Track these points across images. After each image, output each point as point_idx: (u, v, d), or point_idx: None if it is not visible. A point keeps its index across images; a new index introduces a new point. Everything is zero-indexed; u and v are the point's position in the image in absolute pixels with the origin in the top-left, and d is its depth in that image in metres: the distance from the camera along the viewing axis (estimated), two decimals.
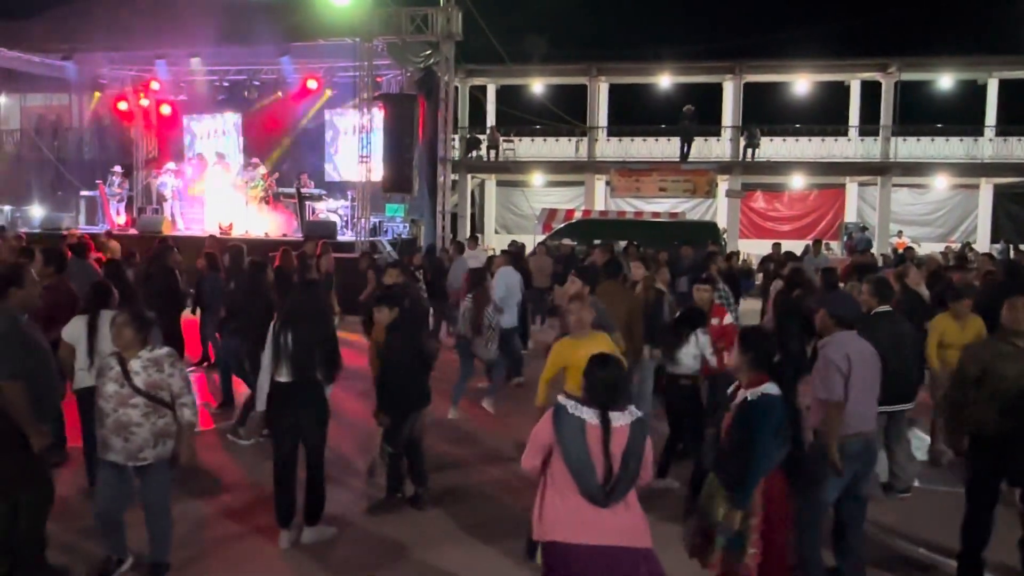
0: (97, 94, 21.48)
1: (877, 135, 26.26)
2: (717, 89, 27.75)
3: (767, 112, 27.33)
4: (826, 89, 27.97)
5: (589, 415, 3.51)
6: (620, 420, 3.51)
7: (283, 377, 5.30)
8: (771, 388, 3.90)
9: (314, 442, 5.41)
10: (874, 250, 21.24)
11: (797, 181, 28.05)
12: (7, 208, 23.70)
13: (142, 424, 4.53)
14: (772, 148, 26.45)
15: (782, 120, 27.36)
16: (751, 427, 3.87)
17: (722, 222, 24.98)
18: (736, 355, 4.12)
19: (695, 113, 24.72)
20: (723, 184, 26.29)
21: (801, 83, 27.32)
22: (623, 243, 15.43)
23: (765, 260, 13.80)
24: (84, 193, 21.36)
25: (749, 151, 25.39)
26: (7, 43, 20.12)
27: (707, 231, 20.34)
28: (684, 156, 25.14)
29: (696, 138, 25.45)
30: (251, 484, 6.45)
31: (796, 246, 18.86)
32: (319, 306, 5.71)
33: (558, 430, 3.52)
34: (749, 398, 3.94)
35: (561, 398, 3.65)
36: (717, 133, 27.32)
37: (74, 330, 5.88)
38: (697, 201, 28.08)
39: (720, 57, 26.60)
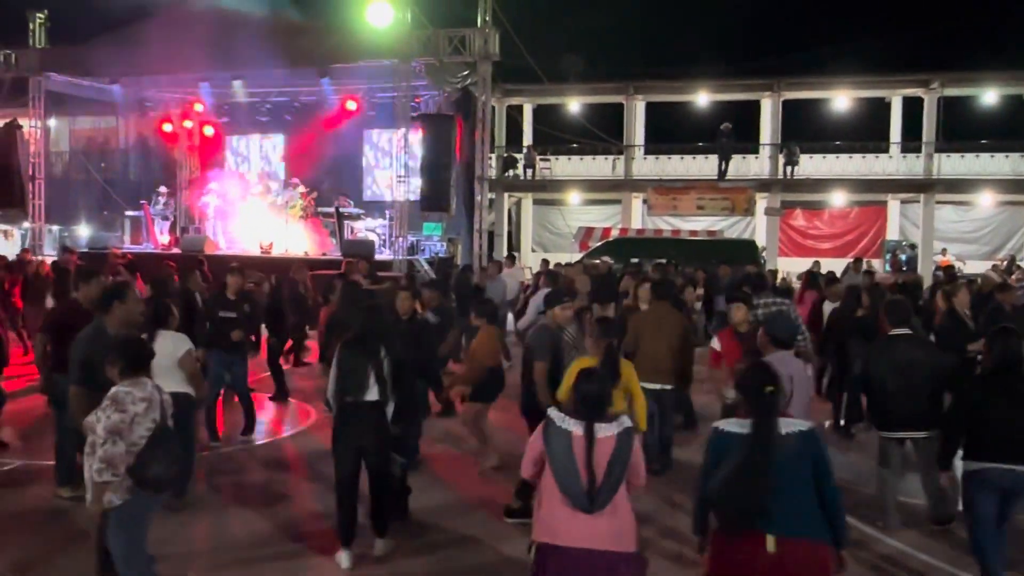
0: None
1: (919, 152, 25.84)
2: (755, 106, 27.57)
3: (806, 129, 27.08)
4: (867, 105, 27.64)
5: (575, 426, 3.72)
6: (606, 431, 3.71)
7: (346, 399, 5.39)
8: (728, 423, 3.79)
9: (377, 462, 5.46)
10: (918, 268, 20.87)
11: (838, 198, 27.68)
12: (55, 228, 24.31)
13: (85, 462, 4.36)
14: (812, 165, 26.18)
15: (822, 137, 27.08)
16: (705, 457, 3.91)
17: (761, 240, 24.73)
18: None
19: (733, 131, 24.58)
20: (762, 202, 26.05)
21: (841, 99, 27.02)
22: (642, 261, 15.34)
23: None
24: (129, 213, 21.83)
25: (788, 168, 25.16)
26: (58, 68, 20.74)
27: (746, 249, 20.16)
28: (722, 174, 24.98)
29: (734, 156, 25.28)
30: (306, 501, 6.56)
31: (837, 264, 18.61)
32: (379, 328, 5.72)
33: (546, 441, 3.76)
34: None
35: (551, 411, 3.88)
36: (755, 151, 27.11)
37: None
38: (735, 219, 27.83)
39: (758, 74, 26.45)
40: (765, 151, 26.66)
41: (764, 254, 22.12)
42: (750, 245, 21.47)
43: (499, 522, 6.11)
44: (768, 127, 26.74)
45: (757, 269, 14.22)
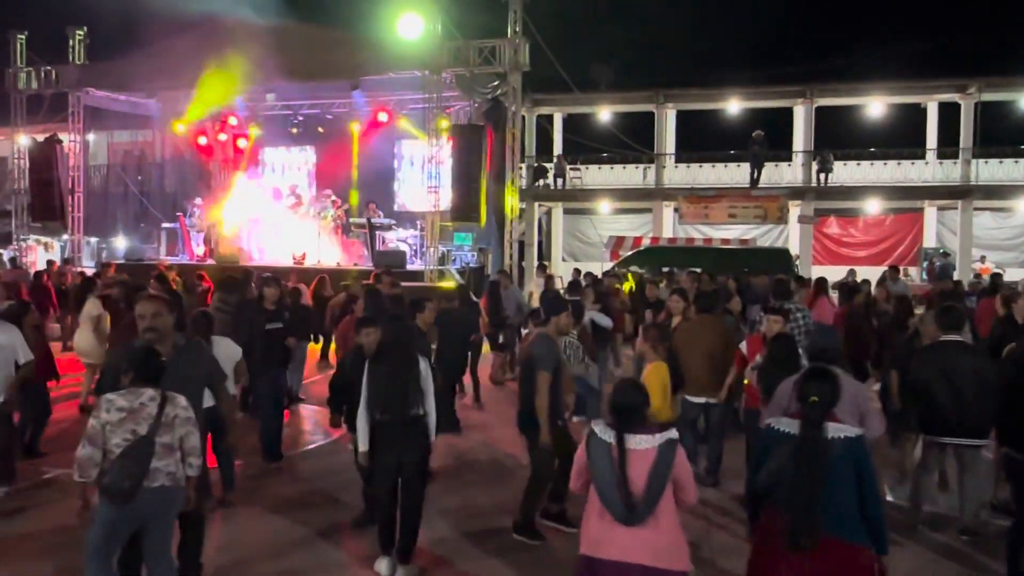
0: (176, 124, 22.05)
1: (956, 158, 25.44)
2: (787, 113, 27.34)
3: (840, 136, 26.77)
4: (902, 111, 27.27)
5: (612, 437, 3.75)
6: (645, 443, 3.70)
7: (381, 415, 5.39)
8: (779, 421, 3.90)
9: (413, 480, 5.41)
10: (956, 276, 20.50)
11: (872, 206, 27.33)
12: (93, 240, 24.75)
13: None
14: (846, 172, 25.88)
15: (856, 144, 26.76)
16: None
17: (794, 248, 24.49)
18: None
19: (765, 138, 24.39)
20: (795, 210, 25.80)
21: (876, 106, 26.69)
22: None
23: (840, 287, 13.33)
24: (165, 225, 22.16)
25: (822, 176, 24.90)
26: (97, 84, 21.15)
27: (778, 258, 19.95)
28: (754, 182, 24.79)
29: (766, 163, 25.08)
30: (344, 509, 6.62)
31: (872, 272, 18.35)
32: (408, 340, 5.67)
33: (588, 451, 3.80)
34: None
35: (593, 422, 3.90)
36: (788, 158, 26.86)
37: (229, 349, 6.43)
38: (768, 227, 27.60)
39: (790, 81, 26.23)
40: (798, 158, 26.41)
41: (798, 262, 21.88)
42: (783, 254, 21.24)
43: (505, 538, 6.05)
44: (801, 134, 26.50)
45: (789, 277, 14.06)
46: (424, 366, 5.51)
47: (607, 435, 3.75)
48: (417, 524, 5.43)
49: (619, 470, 3.65)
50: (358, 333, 5.82)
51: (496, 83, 18.26)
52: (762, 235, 27.75)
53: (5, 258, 22.83)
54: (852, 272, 15.22)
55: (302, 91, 20.73)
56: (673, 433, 3.77)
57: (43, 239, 26.51)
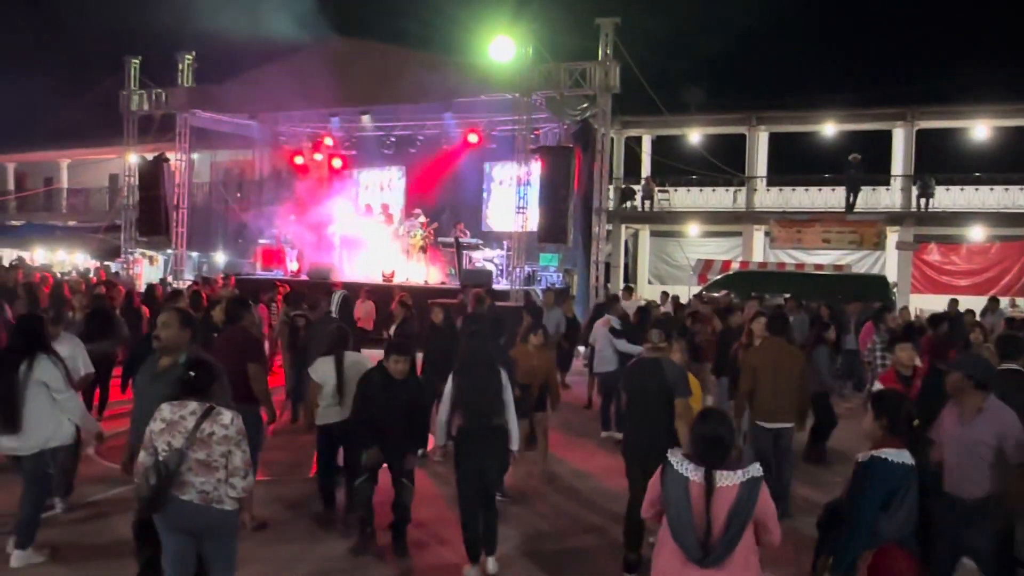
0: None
1: None
2: (886, 136, 26.49)
3: (942, 159, 25.74)
4: (1009, 134, 26.05)
5: (693, 472, 3.49)
6: (728, 480, 3.43)
7: (465, 423, 5.69)
8: (892, 453, 3.61)
9: (493, 487, 5.81)
10: None
11: (977, 232, 26.12)
12: (195, 254, 25.83)
13: None
14: (948, 197, 24.86)
15: (959, 168, 25.67)
16: (858, 491, 3.68)
17: (892, 276, 23.61)
18: (868, 419, 3.90)
19: (862, 161, 23.68)
20: (893, 236, 24.91)
21: (980, 128, 25.59)
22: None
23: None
24: (262, 241, 22.95)
25: (922, 201, 23.99)
26: (203, 105, 22.14)
27: (875, 285, 19.30)
28: (850, 206, 24.08)
29: (863, 187, 24.33)
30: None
31: (976, 303, 17.54)
32: (490, 354, 6.06)
33: (664, 485, 3.56)
34: (860, 459, 3.77)
35: (669, 453, 3.65)
36: (886, 182, 25.99)
37: (324, 370, 6.53)
38: (864, 253, 26.70)
39: (890, 103, 25.42)
40: (897, 182, 25.53)
41: (895, 291, 21.10)
42: (880, 281, 20.51)
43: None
44: (900, 157, 25.63)
45: (886, 306, 13.58)
46: (505, 379, 5.82)
47: (685, 468, 3.52)
48: (496, 525, 5.80)
49: (705, 509, 3.42)
50: (387, 359, 5.90)
51: (586, 105, 18.30)
52: (857, 261, 26.85)
53: (113, 270, 24.03)
54: (954, 302, 14.56)
55: (396, 113, 21.26)
56: (757, 469, 3.50)
57: (148, 253, 27.82)
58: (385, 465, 5.93)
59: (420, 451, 8.57)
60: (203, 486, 4.19)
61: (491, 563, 5.74)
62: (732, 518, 3.39)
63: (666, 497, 3.54)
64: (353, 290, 14.44)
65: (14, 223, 36.33)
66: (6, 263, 24.18)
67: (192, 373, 4.36)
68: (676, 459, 3.58)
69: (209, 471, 4.20)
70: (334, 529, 6.50)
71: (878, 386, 6.45)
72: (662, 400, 5.73)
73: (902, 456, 3.57)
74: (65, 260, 30.50)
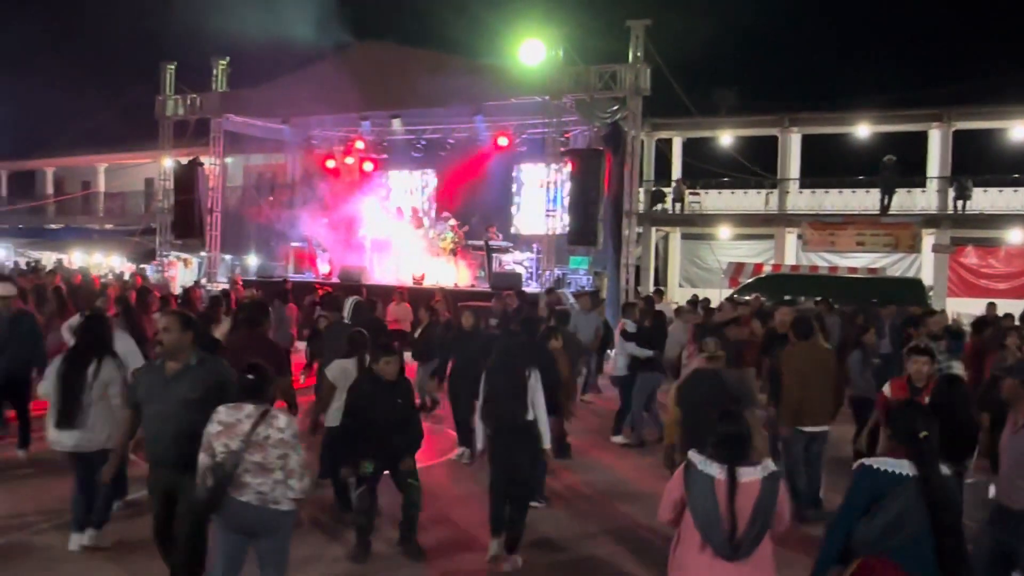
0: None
1: None
2: (921, 137, 26.09)
3: (979, 160, 25.31)
4: None
5: (717, 471, 3.61)
6: (750, 475, 3.58)
7: (494, 422, 5.90)
8: (886, 462, 3.56)
9: (521, 480, 5.97)
10: None
11: (1015, 235, 25.63)
12: (228, 257, 26.13)
13: None
14: (986, 199, 24.42)
15: (997, 169, 25.21)
16: (845, 497, 3.69)
17: (927, 279, 23.25)
18: (882, 428, 4.04)
19: (897, 163, 23.36)
20: (928, 238, 24.53)
21: (1018, 129, 25.10)
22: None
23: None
24: (294, 244, 23.17)
25: (959, 203, 23.60)
26: (236, 110, 22.43)
27: (910, 288, 19.02)
28: (884, 208, 23.75)
29: (898, 189, 23.99)
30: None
31: (1014, 306, 17.22)
32: (517, 353, 6.23)
33: (688, 486, 3.66)
34: (854, 467, 3.79)
35: (691, 454, 3.77)
36: (922, 184, 25.60)
37: (344, 371, 6.57)
38: (899, 256, 26.31)
39: (925, 104, 25.04)
40: (933, 184, 25.14)
41: (931, 294, 20.78)
42: (915, 284, 20.21)
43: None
44: (936, 159, 25.23)
45: (922, 310, 13.37)
46: (535, 379, 5.94)
47: (709, 467, 3.63)
48: (522, 522, 5.97)
49: (729, 505, 3.53)
50: (376, 362, 5.93)
51: (616, 108, 18.26)
52: (892, 264, 26.47)
53: (149, 272, 24.40)
54: (992, 305, 14.31)
55: (426, 116, 21.37)
56: (772, 464, 3.68)
57: (183, 255, 28.20)
58: (387, 471, 5.97)
59: (463, 452, 8.67)
60: (260, 487, 4.27)
61: (513, 560, 5.87)
62: (757, 512, 3.52)
63: (692, 497, 3.64)
64: (378, 295, 14.52)
65: (53, 227, 37.07)
66: (46, 266, 24.65)
67: (250, 376, 4.46)
68: (699, 460, 3.69)
69: (265, 473, 4.28)
70: (349, 529, 6.45)
71: (886, 387, 6.39)
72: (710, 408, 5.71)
73: (897, 466, 3.50)
74: (102, 263, 31.02)
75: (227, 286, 18.21)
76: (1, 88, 31.79)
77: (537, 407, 5.92)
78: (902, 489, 3.45)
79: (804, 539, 6.70)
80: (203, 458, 4.36)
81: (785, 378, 7.10)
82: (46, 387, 5.91)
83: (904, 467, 3.48)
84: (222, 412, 4.37)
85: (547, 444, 6.00)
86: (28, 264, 27.12)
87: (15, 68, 39.50)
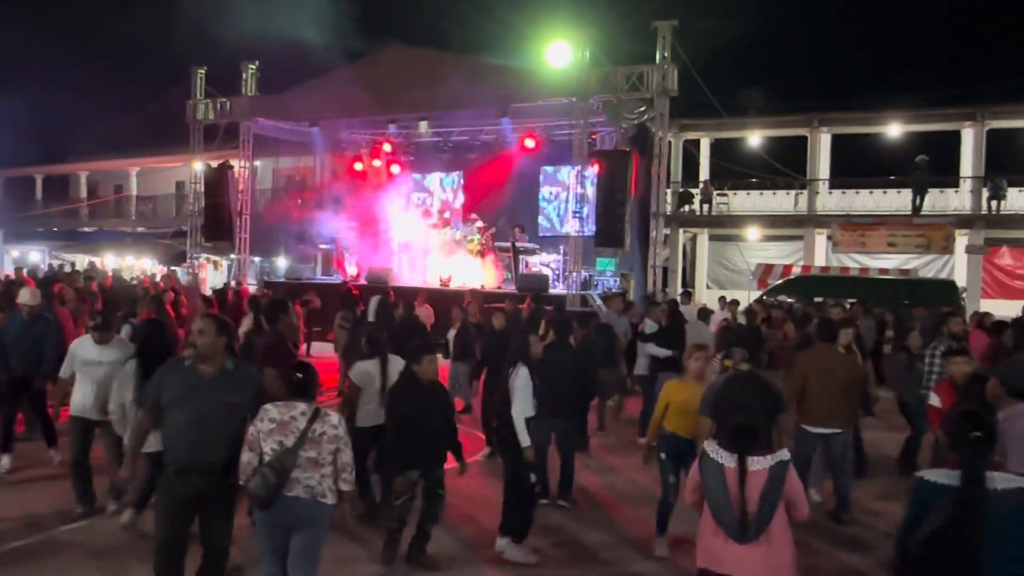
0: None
1: None
2: (954, 137, 25.71)
3: (1014, 160, 24.89)
4: None
5: (727, 459, 3.90)
6: (758, 464, 3.86)
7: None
8: (937, 473, 3.49)
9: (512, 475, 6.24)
10: None
11: None
12: (257, 259, 26.38)
13: None
14: (1021, 199, 24.02)
15: None
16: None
17: (961, 280, 22.90)
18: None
19: (929, 163, 23.04)
20: (962, 239, 24.17)
21: None
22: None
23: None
24: (322, 246, 23.32)
25: (993, 203, 23.24)
26: (265, 114, 22.61)
27: (943, 290, 18.76)
28: (916, 209, 23.44)
29: (930, 189, 23.66)
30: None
31: None
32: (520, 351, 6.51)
33: (702, 472, 3.98)
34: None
35: (706, 443, 4.08)
36: (955, 184, 25.23)
37: (366, 373, 6.63)
38: (931, 257, 25.95)
39: (958, 103, 24.68)
40: (966, 184, 24.76)
41: (964, 296, 20.46)
42: (948, 286, 19.92)
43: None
44: (969, 159, 24.85)
45: (953, 311, 13.16)
46: (517, 377, 6.22)
47: (720, 456, 3.92)
48: (515, 512, 6.19)
49: (740, 492, 3.81)
50: (418, 362, 5.90)
51: (643, 109, 18.17)
52: (924, 266, 26.12)
53: (180, 275, 24.69)
54: None
55: (453, 118, 21.43)
56: (785, 454, 3.92)
57: (213, 258, 28.52)
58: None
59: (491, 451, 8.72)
60: (308, 481, 4.45)
61: (507, 546, 6.13)
62: (764, 498, 3.80)
63: (705, 483, 3.95)
64: (405, 296, 14.57)
65: (86, 230, 37.65)
66: (79, 269, 25.04)
67: (300, 375, 4.64)
68: (712, 448, 3.99)
69: (316, 467, 4.47)
70: (370, 528, 6.49)
71: (932, 397, 6.30)
72: (765, 417, 5.75)
73: (947, 477, 3.40)
74: (134, 265, 31.46)
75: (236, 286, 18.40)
76: (35, 94, 32.36)
77: (514, 406, 6.11)
78: (944, 501, 3.34)
79: (834, 540, 6.66)
80: (249, 457, 4.46)
81: (794, 377, 7.19)
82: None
83: (953, 478, 3.37)
84: (272, 411, 4.52)
85: (524, 443, 6.10)
86: (63, 267, 27.59)
87: (49, 74, 40.21)
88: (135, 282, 21.01)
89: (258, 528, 4.64)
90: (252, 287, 20.67)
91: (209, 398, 4.62)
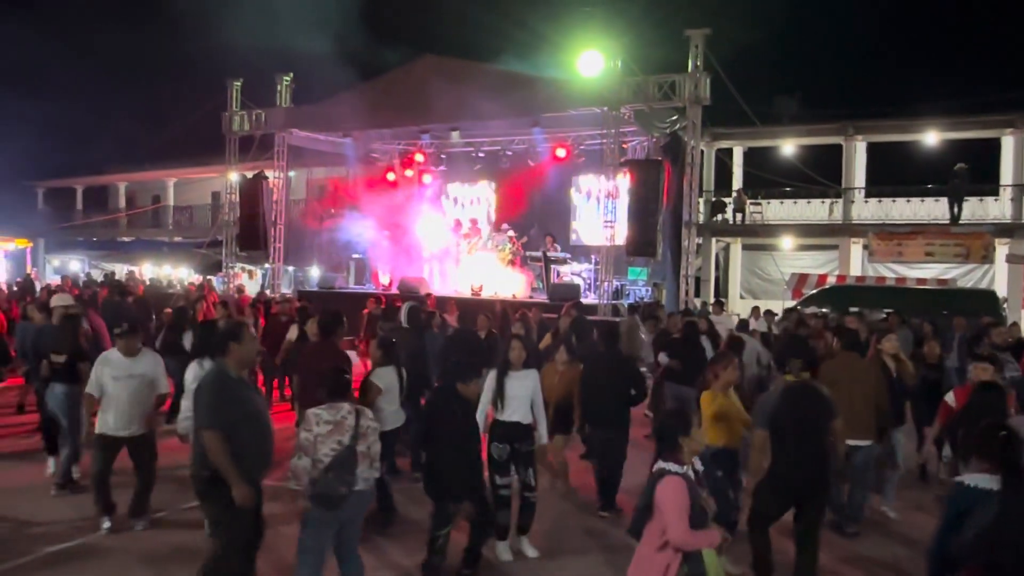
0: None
1: None
2: (994, 145, 25.27)
3: None
4: None
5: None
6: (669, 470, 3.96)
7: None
8: (975, 478, 3.60)
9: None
10: None
11: None
12: (291, 268, 26.65)
13: None
14: None
15: None
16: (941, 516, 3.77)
17: (1001, 290, 22.45)
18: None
19: (968, 171, 22.66)
20: (1002, 248, 23.71)
21: None
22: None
23: None
24: (355, 255, 23.52)
25: None
26: (300, 125, 22.90)
27: (983, 300, 18.39)
28: (955, 218, 23.05)
29: (969, 198, 23.26)
30: None
31: None
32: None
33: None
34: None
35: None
36: (995, 192, 24.78)
37: (389, 377, 6.83)
38: (971, 267, 25.47)
39: (997, 110, 24.26)
40: (1006, 192, 24.31)
41: (1005, 306, 20.04)
42: (988, 296, 19.52)
43: None
44: (1010, 166, 24.41)
45: (995, 321, 12.90)
46: (484, 379, 6.28)
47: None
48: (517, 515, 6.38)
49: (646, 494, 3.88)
50: (465, 382, 5.83)
51: (675, 118, 18.11)
52: (963, 275, 25.64)
53: (215, 283, 25.02)
54: None
55: (485, 128, 21.52)
56: (676, 468, 3.81)
57: (247, 267, 28.87)
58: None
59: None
60: (362, 473, 4.82)
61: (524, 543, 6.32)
62: (640, 500, 3.90)
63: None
64: (435, 306, 14.62)
65: (124, 239, 38.34)
66: (119, 278, 25.48)
67: (343, 378, 5.02)
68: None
69: (364, 459, 4.83)
70: (408, 534, 6.52)
71: (950, 396, 6.44)
72: (823, 425, 5.64)
73: (986, 482, 3.53)
74: (171, 274, 31.96)
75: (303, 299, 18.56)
76: (78, 108, 33.10)
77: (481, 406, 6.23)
78: (988, 503, 3.46)
79: (848, 556, 6.53)
80: (303, 462, 4.70)
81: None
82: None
83: (992, 483, 3.51)
84: (323, 414, 4.78)
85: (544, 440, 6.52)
86: (104, 275, 28.09)
87: (90, 89, 41.07)
88: (179, 289, 21.32)
89: (310, 529, 4.78)
90: (251, 295, 20.84)
91: (264, 409, 5.03)
